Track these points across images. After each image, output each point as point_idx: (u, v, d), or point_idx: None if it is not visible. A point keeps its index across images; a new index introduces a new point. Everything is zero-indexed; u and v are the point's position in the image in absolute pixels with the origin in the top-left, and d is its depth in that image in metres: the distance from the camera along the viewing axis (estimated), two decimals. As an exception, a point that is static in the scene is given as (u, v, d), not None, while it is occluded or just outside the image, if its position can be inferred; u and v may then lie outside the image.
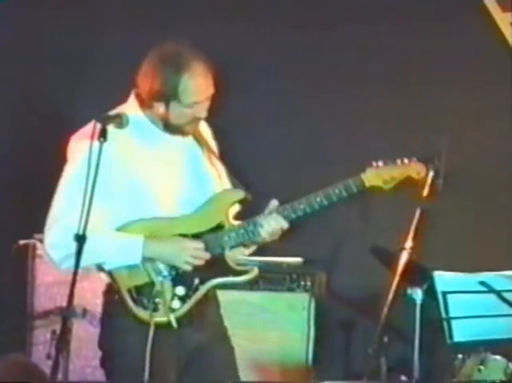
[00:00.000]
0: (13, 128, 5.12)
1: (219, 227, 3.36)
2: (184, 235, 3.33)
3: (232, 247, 3.36)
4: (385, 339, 4.18)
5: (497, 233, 4.81)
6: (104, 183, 3.20)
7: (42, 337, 4.61)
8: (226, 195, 3.40)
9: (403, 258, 4.12)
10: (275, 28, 5.03)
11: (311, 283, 4.71)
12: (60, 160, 5.06)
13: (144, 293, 3.29)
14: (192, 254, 3.29)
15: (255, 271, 3.37)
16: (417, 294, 4.06)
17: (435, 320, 3.90)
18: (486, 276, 3.78)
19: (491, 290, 3.75)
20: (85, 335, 4.60)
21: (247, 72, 4.98)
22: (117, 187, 3.29)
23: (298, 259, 4.65)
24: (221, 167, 3.46)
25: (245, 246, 3.40)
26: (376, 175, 3.38)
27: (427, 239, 4.33)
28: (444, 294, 3.79)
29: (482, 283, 3.76)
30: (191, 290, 3.31)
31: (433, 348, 4.28)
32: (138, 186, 3.31)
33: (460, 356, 4.12)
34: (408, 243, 4.12)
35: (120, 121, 3.24)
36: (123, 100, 4.81)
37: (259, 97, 5.02)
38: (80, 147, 3.27)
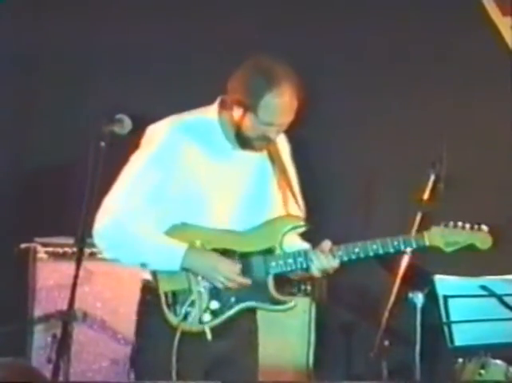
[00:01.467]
0: (13, 130, 5.12)
1: (269, 251, 3.32)
2: (233, 251, 3.31)
3: (277, 274, 3.32)
4: (386, 343, 4.18)
5: (498, 236, 4.80)
6: (162, 185, 3.24)
7: (43, 341, 4.61)
8: (284, 221, 3.35)
9: (405, 262, 4.13)
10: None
11: (311, 287, 4.71)
12: (60, 163, 5.10)
13: (179, 299, 3.27)
14: (226, 275, 3.26)
15: (292, 303, 3.35)
16: (418, 297, 4.06)
17: (435, 324, 3.90)
18: (487, 280, 3.79)
19: (492, 294, 3.75)
20: (86, 339, 4.60)
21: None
22: (174, 192, 3.28)
23: None
24: (289, 191, 3.40)
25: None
26: (440, 237, 3.36)
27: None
28: (445, 298, 3.79)
29: (483, 287, 3.76)
30: (226, 306, 3.29)
31: (434, 352, 4.28)
32: (194, 195, 3.30)
33: (461, 360, 4.12)
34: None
35: (122, 125, 3.25)
36: (123, 100, 4.86)
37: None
38: (151, 143, 3.28)
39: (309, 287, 4.70)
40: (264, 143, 3.31)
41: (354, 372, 4.85)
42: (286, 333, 4.65)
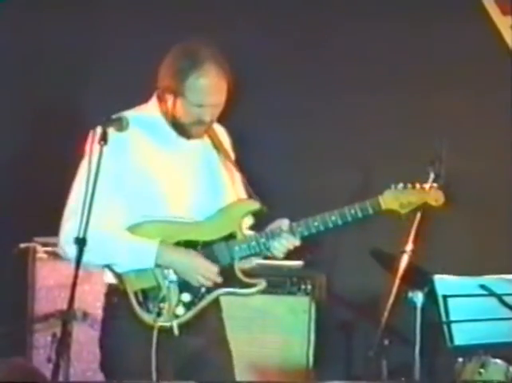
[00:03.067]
0: (13, 131, 5.12)
1: (231, 237, 3.33)
2: (195, 242, 3.31)
3: (242, 258, 3.33)
4: (386, 342, 4.18)
5: (497, 236, 4.81)
6: (120, 180, 3.24)
7: (43, 341, 4.61)
8: (241, 205, 3.37)
9: (404, 261, 4.12)
10: (277, 28, 5.04)
11: (311, 286, 4.71)
12: (60, 163, 5.09)
13: (150, 296, 3.27)
14: (205, 275, 3.27)
15: (263, 284, 3.35)
16: (418, 297, 4.05)
17: (435, 323, 3.90)
18: (487, 280, 3.78)
19: (492, 294, 3.75)
20: (86, 338, 4.59)
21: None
22: (132, 187, 3.28)
23: (299, 262, 4.65)
24: (237, 175, 3.43)
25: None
26: (394, 198, 3.35)
27: (427, 242, 4.33)
28: (445, 297, 3.78)
29: (483, 287, 3.76)
30: (197, 297, 3.30)
31: (434, 351, 4.28)
32: (151, 187, 3.29)
33: (461, 359, 4.12)
34: (409, 246, 4.13)
35: (121, 124, 3.24)
36: (124, 99, 4.86)
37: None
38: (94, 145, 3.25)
39: (309, 287, 4.70)
40: (201, 127, 3.31)
41: (354, 371, 4.86)
42: (286, 333, 4.65)
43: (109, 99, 4.89)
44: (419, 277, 4.05)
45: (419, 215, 4.09)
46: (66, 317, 3.32)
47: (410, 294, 4.08)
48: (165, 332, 3.25)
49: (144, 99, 4.88)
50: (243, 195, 3.42)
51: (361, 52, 5.01)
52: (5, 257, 4.63)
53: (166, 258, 3.26)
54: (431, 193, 3.40)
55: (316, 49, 5.02)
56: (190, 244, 3.31)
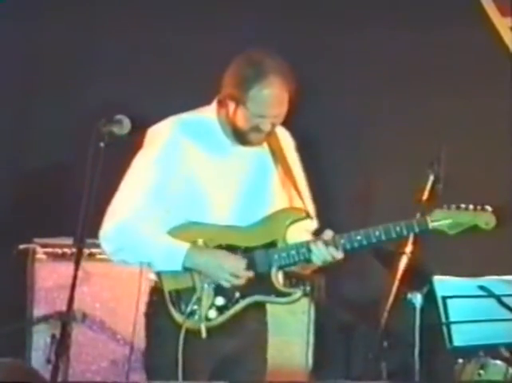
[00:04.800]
0: (12, 130, 5.12)
1: (272, 245, 3.32)
2: (236, 247, 3.31)
3: (280, 267, 3.32)
4: (385, 344, 4.18)
5: (496, 237, 4.80)
6: (165, 184, 3.27)
7: (42, 342, 4.61)
8: (286, 214, 3.35)
9: (403, 262, 4.12)
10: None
11: (310, 287, 4.70)
12: (59, 164, 5.10)
13: (184, 297, 3.28)
14: (232, 272, 3.27)
15: (298, 294, 3.35)
16: (417, 298, 4.06)
17: (434, 324, 3.90)
18: (486, 281, 3.78)
19: (491, 295, 3.75)
20: (85, 340, 4.60)
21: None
22: (176, 191, 3.30)
23: None
24: (293, 187, 3.39)
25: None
26: (443, 219, 3.32)
27: (426, 244, 4.33)
28: (444, 298, 3.79)
29: (482, 288, 3.76)
30: (231, 302, 3.30)
31: (433, 352, 4.28)
32: (196, 193, 3.32)
33: (460, 360, 4.12)
34: (408, 248, 4.13)
35: (121, 126, 3.25)
36: (122, 101, 4.86)
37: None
38: (152, 144, 3.32)
39: (308, 288, 4.68)
40: (259, 135, 3.32)
41: (353, 373, 4.85)
42: (285, 334, 4.64)
43: (109, 100, 4.90)
44: (418, 278, 4.06)
45: (418, 216, 4.09)
46: (65, 318, 3.31)
47: (409, 296, 4.09)
48: (196, 333, 3.25)
49: (145, 98, 4.94)
50: (299, 205, 3.39)
51: (359, 54, 5.00)
52: (5, 258, 4.63)
53: (195, 260, 3.27)
54: (483, 216, 3.35)
55: (314, 51, 5.02)
56: (231, 248, 3.31)
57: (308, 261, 3.33)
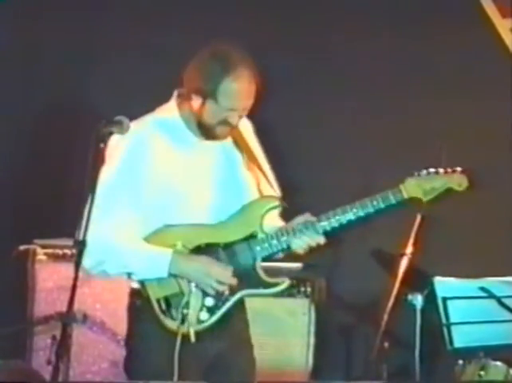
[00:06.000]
0: (12, 131, 5.12)
1: (252, 237, 3.30)
2: (216, 244, 3.29)
3: (264, 258, 3.30)
4: (386, 345, 4.18)
5: (497, 239, 4.81)
6: (136, 187, 3.25)
7: (42, 343, 4.61)
8: (260, 203, 3.34)
9: (404, 263, 4.12)
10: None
11: (311, 289, 4.71)
12: (60, 165, 5.09)
13: (173, 303, 3.27)
14: (219, 280, 3.26)
15: (286, 282, 3.31)
16: (417, 299, 4.06)
17: (435, 326, 3.90)
18: (486, 282, 3.78)
19: (491, 296, 3.75)
20: (85, 341, 4.60)
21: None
22: (148, 194, 3.28)
23: (298, 264, 4.65)
24: (260, 173, 3.40)
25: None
26: (416, 186, 3.30)
27: (427, 245, 4.33)
28: (444, 299, 3.79)
29: (482, 289, 3.76)
30: (221, 301, 3.29)
31: (433, 354, 4.27)
32: (168, 192, 3.29)
33: (461, 362, 4.12)
34: (409, 249, 4.13)
35: (121, 127, 3.24)
36: (123, 101, 4.86)
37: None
38: (116, 151, 3.29)
39: (308, 289, 4.70)
40: (226, 128, 3.30)
41: (354, 374, 4.85)
42: (286, 335, 4.65)
43: (110, 99, 4.91)
44: (418, 279, 4.06)
45: (418, 217, 4.10)
46: (66, 319, 3.30)
47: (410, 297, 4.08)
48: (188, 337, 3.24)
49: (145, 98, 4.93)
50: (268, 189, 3.39)
51: (358, 55, 5.00)
52: (5, 259, 4.63)
53: (180, 267, 3.26)
54: (454, 177, 3.33)
55: (313, 51, 5.02)
56: (211, 247, 3.30)
57: (289, 248, 3.32)
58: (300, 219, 3.30)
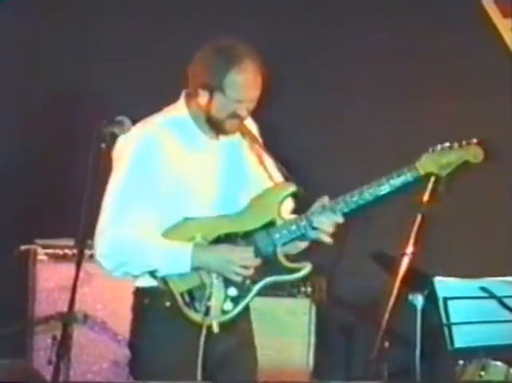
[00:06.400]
0: (13, 131, 5.12)
1: (271, 224, 3.29)
2: (235, 234, 3.29)
3: (284, 244, 3.29)
4: (386, 345, 4.18)
5: (498, 238, 4.81)
6: (150, 186, 3.25)
7: (43, 343, 4.61)
8: (277, 190, 3.32)
9: (404, 263, 4.12)
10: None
11: (312, 288, 4.71)
12: (61, 165, 5.10)
13: (196, 296, 3.26)
14: (241, 264, 3.25)
15: (308, 267, 3.29)
16: (418, 299, 4.06)
17: (435, 326, 3.90)
18: (487, 282, 3.78)
19: (492, 296, 3.75)
20: (86, 340, 4.60)
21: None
22: (162, 191, 3.28)
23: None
24: (269, 161, 3.39)
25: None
26: (432, 161, 3.29)
27: (427, 245, 4.33)
28: (445, 299, 3.79)
29: (483, 289, 3.76)
30: (244, 290, 3.28)
31: (434, 354, 4.28)
32: (182, 189, 3.30)
33: (461, 362, 4.12)
34: (409, 249, 4.12)
35: (122, 127, 3.25)
36: (124, 101, 4.86)
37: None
38: (126, 152, 3.30)
39: (309, 289, 4.70)
40: (235, 121, 3.31)
41: (354, 373, 4.86)
42: (286, 335, 4.65)
43: (111, 100, 4.91)
44: (419, 279, 4.05)
45: (419, 217, 4.10)
46: (67, 319, 3.30)
47: (410, 297, 4.08)
48: (194, 332, 3.22)
49: (145, 97, 4.94)
50: (279, 177, 3.38)
51: (359, 54, 5.00)
52: (6, 259, 4.63)
53: (201, 259, 3.25)
54: (470, 150, 3.31)
55: (312, 49, 5.02)
56: (230, 237, 3.30)
57: (307, 235, 3.30)
58: (317, 204, 3.29)
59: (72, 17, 5.11)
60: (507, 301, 3.75)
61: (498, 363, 4.05)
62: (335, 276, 4.89)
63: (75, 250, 4.51)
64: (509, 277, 3.79)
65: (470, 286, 3.77)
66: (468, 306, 3.78)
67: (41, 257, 4.69)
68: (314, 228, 3.28)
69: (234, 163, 3.39)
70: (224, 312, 3.26)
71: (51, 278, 4.65)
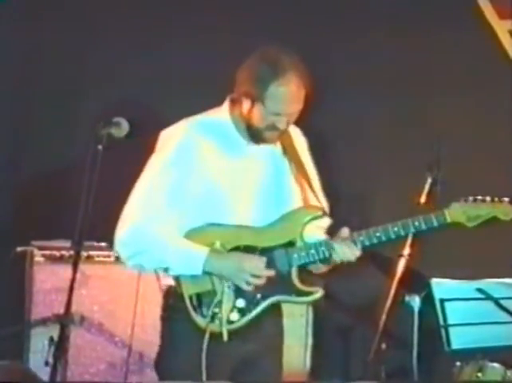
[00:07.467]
0: (10, 134, 5.11)
1: (291, 244, 3.31)
2: (254, 247, 3.30)
3: (300, 266, 3.31)
4: (383, 346, 4.18)
5: (494, 240, 4.80)
6: (180, 186, 3.26)
7: (40, 345, 4.60)
8: (303, 212, 3.34)
9: (401, 265, 4.12)
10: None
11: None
12: (58, 166, 5.09)
13: (205, 301, 3.27)
14: (253, 273, 3.26)
15: (320, 292, 3.34)
16: (415, 301, 4.06)
17: (433, 327, 3.90)
18: (484, 283, 3.78)
19: (489, 298, 3.75)
20: (83, 342, 4.59)
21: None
22: (193, 192, 3.29)
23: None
24: (307, 185, 3.40)
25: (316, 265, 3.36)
26: (461, 212, 3.32)
27: (425, 246, 4.33)
28: (442, 301, 3.79)
29: (480, 290, 3.76)
30: (252, 303, 3.28)
31: (431, 355, 4.28)
32: (213, 193, 3.31)
33: (458, 363, 4.12)
34: (406, 250, 4.13)
35: (120, 128, 3.25)
36: (121, 103, 4.86)
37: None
38: (166, 146, 3.31)
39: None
40: (275, 133, 3.31)
41: (352, 375, 4.85)
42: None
43: (108, 102, 4.90)
44: (416, 281, 4.06)
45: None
46: (63, 321, 3.31)
47: (407, 298, 4.09)
48: (218, 336, 3.24)
49: (142, 102, 4.94)
50: (313, 200, 3.39)
51: (360, 58, 5.00)
52: (3, 260, 4.62)
53: (215, 265, 3.26)
54: (500, 207, 3.34)
55: (315, 54, 5.01)
56: (249, 249, 3.30)
57: (326, 260, 3.32)
58: (340, 234, 3.31)
59: (72, 17, 5.11)
60: (504, 302, 3.76)
61: (495, 364, 4.06)
62: (332, 278, 4.88)
63: (72, 252, 4.50)
64: (506, 278, 3.80)
65: (467, 287, 3.77)
66: (465, 308, 3.78)
67: (38, 258, 4.68)
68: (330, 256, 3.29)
69: (273, 174, 3.39)
70: (229, 322, 3.27)
71: (48, 280, 4.64)
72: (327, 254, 3.29)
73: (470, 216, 3.33)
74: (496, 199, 3.34)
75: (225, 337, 3.23)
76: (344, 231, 3.30)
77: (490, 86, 4.88)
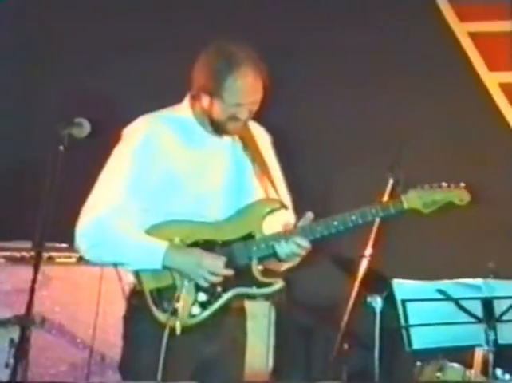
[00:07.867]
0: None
1: (250, 237, 3.32)
2: (214, 241, 3.30)
3: (260, 259, 3.31)
4: (345, 346, 4.20)
5: (456, 241, 4.84)
6: (144, 178, 3.26)
7: (0, 346, 4.56)
8: (262, 205, 3.35)
9: (363, 265, 4.15)
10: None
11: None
12: (18, 166, 5.05)
13: (165, 296, 3.27)
14: (211, 271, 3.26)
15: (280, 284, 3.35)
16: (377, 301, 4.09)
17: (394, 327, 3.92)
18: (444, 284, 3.81)
19: (449, 298, 3.78)
20: (44, 344, 4.56)
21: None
22: (155, 186, 3.30)
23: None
24: (268, 181, 3.40)
25: (279, 259, 3.35)
26: (417, 198, 3.33)
27: (386, 247, 4.36)
28: (403, 302, 3.81)
29: (440, 291, 3.79)
30: (213, 297, 3.28)
31: (392, 355, 4.31)
32: (175, 187, 3.31)
33: (419, 363, 4.15)
34: (368, 251, 4.15)
35: (81, 128, 3.23)
36: (82, 103, 4.83)
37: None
38: (132, 139, 3.31)
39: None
40: (237, 123, 3.33)
41: (313, 375, 4.87)
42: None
43: (69, 102, 4.87)
44: (378, 281, 4.08)
45: (377, 219, 4.12)
46: (24, 322, 3.28)
47: (369, 299, 4.11)
48: (181, 334, 3.23)
49: (104, 103, 4.91)
50: (274, 194, 3.39)
51: (326, 56, 5.01)
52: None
53: (174, 259, 3.26)
54: (456, 192, 3.36)
55: (284, 50, 5.03)
56: (208, 244, 3.31)
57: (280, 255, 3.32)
58: (300, 223, 3.31)
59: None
60: (464, 303, 3.79)
61: (455, 364, 4.10)
62: (294, 278, 4.89)
63: (33, 253, 4.47)
64: (465, 279, 3.83)
65: (428, 288, 3.79)
66: (426, 308, 3.81)
67: (-2, 260, 4.65)
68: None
69: (234, 166, 3.40)
70: (191, 316, 3.27)
71: (8, 281, 4.60)
72: (283, 247, 3.28)
73: (427, 202, 3.34)
74: (452, 185, 3.35)
75: (178, 330, 3.21)
76: (309, 215, 3.30)
77: (450, 87, 4.92)
